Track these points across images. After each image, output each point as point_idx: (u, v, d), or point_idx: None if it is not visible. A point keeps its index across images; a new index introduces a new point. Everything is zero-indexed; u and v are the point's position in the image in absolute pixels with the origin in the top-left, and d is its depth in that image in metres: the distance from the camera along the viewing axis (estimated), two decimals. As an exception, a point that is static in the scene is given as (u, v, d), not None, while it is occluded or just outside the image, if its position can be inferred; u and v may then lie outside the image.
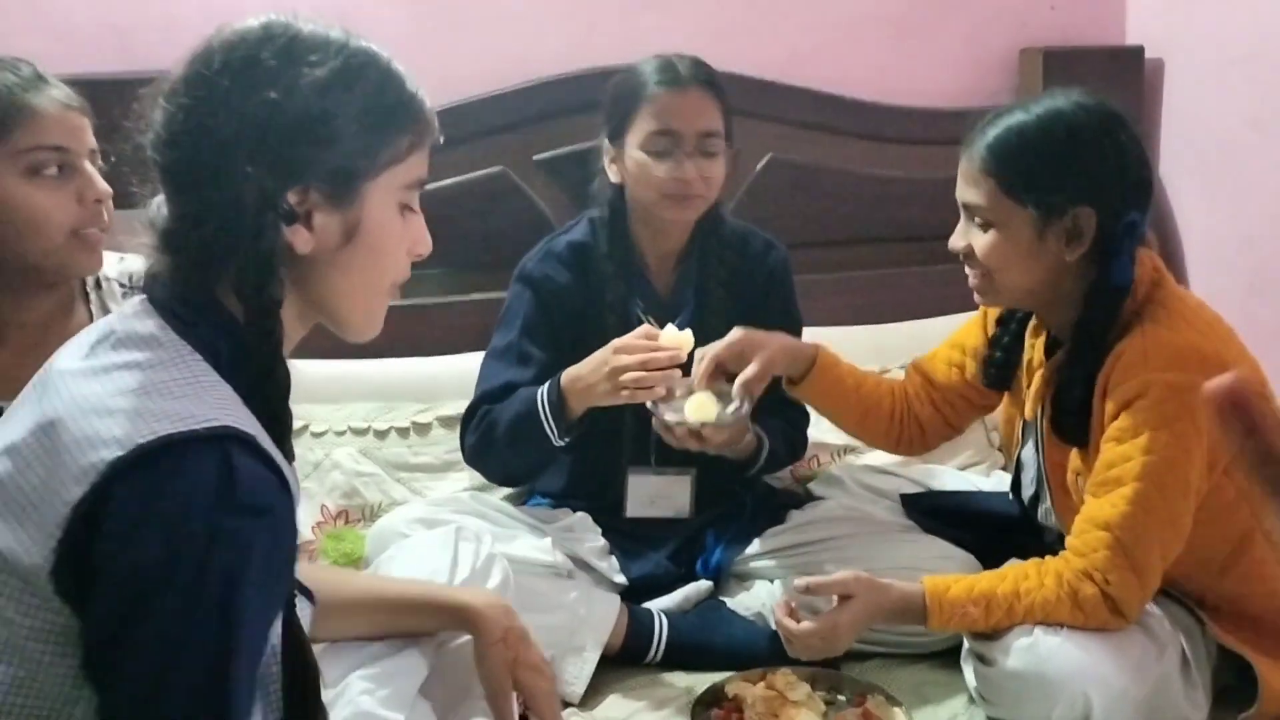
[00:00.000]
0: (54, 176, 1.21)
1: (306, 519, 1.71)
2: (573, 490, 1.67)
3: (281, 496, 0.78)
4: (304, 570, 1.04)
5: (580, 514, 1.62)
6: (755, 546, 1.62)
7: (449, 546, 1.28)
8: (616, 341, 1.48)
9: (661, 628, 1.50)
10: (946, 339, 1.60)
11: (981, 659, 1.29)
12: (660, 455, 1.58)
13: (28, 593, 0.75)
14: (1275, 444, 0.46)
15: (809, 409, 1.66)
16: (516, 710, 1.13)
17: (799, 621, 1.31)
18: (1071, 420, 1.29)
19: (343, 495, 1.77)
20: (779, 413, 1.63)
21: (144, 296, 0.85)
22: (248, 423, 0.79)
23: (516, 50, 2.11)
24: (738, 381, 1.45)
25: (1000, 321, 1.47)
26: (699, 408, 1.45)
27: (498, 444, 1.55)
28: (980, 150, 1.28)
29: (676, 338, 1.49)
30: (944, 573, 1.40)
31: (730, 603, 1.57)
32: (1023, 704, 1.24)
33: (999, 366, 1.46)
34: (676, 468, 1.61)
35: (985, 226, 1.30)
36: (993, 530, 1.56)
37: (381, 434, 1.84)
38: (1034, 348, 1.41)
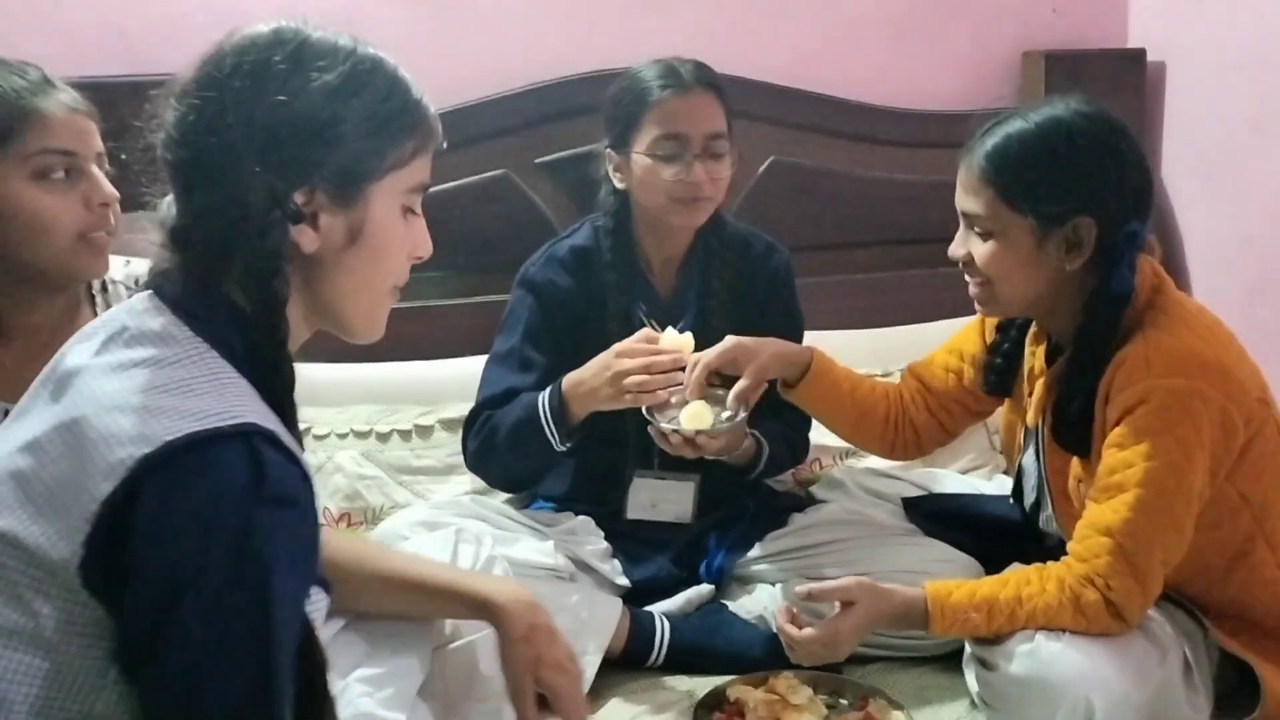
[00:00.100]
0: (61, 180, 1.21)
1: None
2: (575, 493, 1.67)
3: (305, 487, 0.80)
4: (334, 538, 1.06)
5: (582, 517, 1.62)
6: (757, 550, 1.62)
7: (449, 548, 1.28)
8: (618, 346, 1.48)
9: (663, 631, 1.50)
10: (944, 344, 1.59)
11: (983, 664, 1.29)
12: (663, 460, 1.59)
13: (54, 585, 0.76)
14: None
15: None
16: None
17: (801, 627, 1.31)
18: (1073, 430, 1.29)
19: (345, 498, 1.77)
20: (779, 416, 1.63)
21: (151, 293, 0.87)
22: (268, 418, 0.81)
23: (518, 53, 2.11)
24: (731, 394, 1.45)
25: (1000, 328, 1.47)
26: (694, 416, 1.46)
27: (500, 449, 1.56)
28: (979, 159, 1.28)
29: (677, 341, 1.49)
30: (946, 576, 1.41)
31: (732, 606, 1.57)
32: (1025, 709, 1.24)
33: (999, 374, 1.46)
34: (679, 473, 1.62)
35: (985, 236, 1.29)
36: (995, 534, 1.56)
37: (383, 437, 1.84)
38: (1034, 355, 1.40)
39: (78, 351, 0.85)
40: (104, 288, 1.35)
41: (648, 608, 1.54)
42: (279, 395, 0.85)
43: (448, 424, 1.83)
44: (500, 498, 1.69)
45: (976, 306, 1.38)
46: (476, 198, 2.03)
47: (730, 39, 2.16)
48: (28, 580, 0.76)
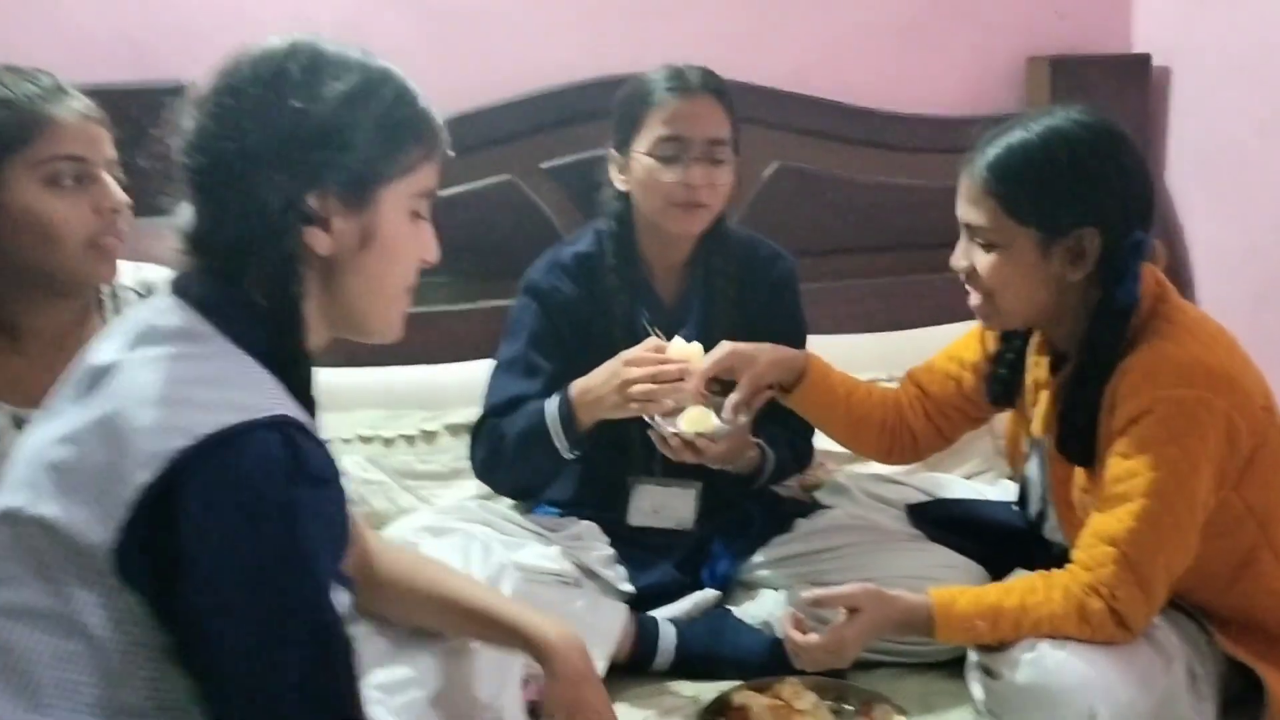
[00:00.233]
0: (71, 186, 1.22)
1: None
2: (580, 499, 1.67)
3: (337, 470, 0.86)
4: (394, 553, 1.10)
5: (587, 522, 1.62)
6: (762, 555, 1.62)
7: (460, 555, 1.28)
8: (625, 354, 1.48)
9: (668, 636, 1.50)
10: (943, 350, 1.59)
11: (988, 672, 1.29)
12: (665, 466, 1.59)
13: (89, 571, 0.79)
14: None
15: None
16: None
17: (806, 633, 1.31)
18: (1078, 440, 1.29)
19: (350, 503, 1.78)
20: (782, 422, 1.63)
21: (174, 295, 0.90)
22: (296, 410, 0.85)
23: (524, 59, 2.12)
24: (727, 403, 1.46)
25: (1003, 338, 1.46)
26: (694, 420, 1.46)
27: (507, 457, 1.56)
28: (981, 170, 1.28)
29: (685, 350, 1.49)
30: (951, 582, 1.41)
31: (737, 611, 1.57)
32: (1029, 717, 1.24)
33: (1003, 383, 1.45)
34: (682, 479, 1.62)
35: (988, 247, 1.29)
36: (1000, 540, 1.56)
37: (389, 442, 1.85)
38: (1038, 365, 1.40)
39: (104, 350, 0.89)
40: (114, 293, 1.36)
41: (652, 613, 1.54)
42: (299, 391, 0.89)
43: (453, 429, 1.84)
44: (505, 503, 1.69)
45: (979, 320, 1.38)
46: (481, 203, 2.04)
47: (735, 44, 2.16)
48: (63, 565, 0.79)
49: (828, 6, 2.25)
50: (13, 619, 0.80)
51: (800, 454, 1.73)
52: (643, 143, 1.58)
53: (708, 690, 1.41)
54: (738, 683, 1.38)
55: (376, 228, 0.92)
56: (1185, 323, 1.28)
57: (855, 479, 1.77)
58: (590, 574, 1.56)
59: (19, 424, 1.27)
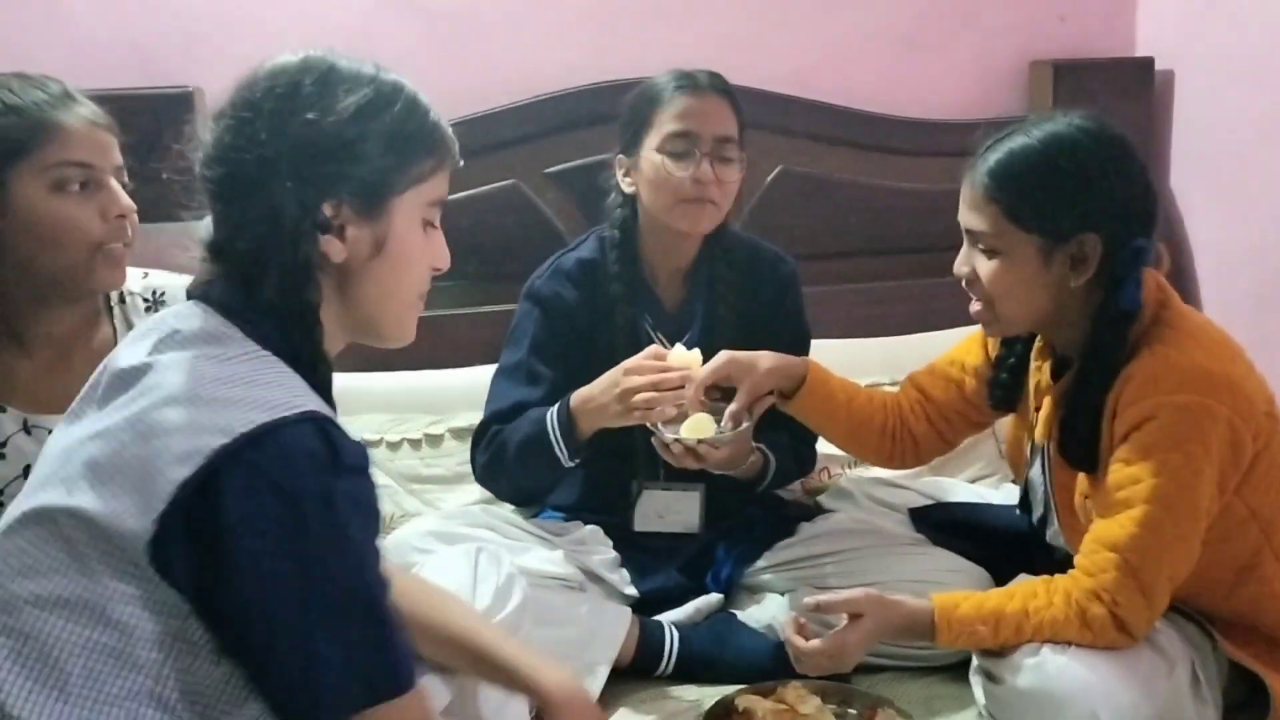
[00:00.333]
0: (78, 192, 1.22)
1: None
2: (584, 504, 1.68)
3: (369, 460, 0.89)
4: (419, 589, 1.12)
5: (591, 527, 1.63)
6: (765, 559, 1.62)
7: (470, 564, 1.29)
8: (626, 363, 1.49)
9: (672, 640, 1.50)
10: (945, 354, 1.59)
11: (990, 676, 1.29)
12: (670, 471, 1.59)
13: (125, 562, 0.81)
14: None
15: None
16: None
17: (808, 638, 1.31)
18: (1080, 446, 1.29)
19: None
20: (785, 428, 1.63)
21: (196, 300, 0.94)
22: (323, 407, 0.88)
23: (528, 64, 2.13)
24: (726, 413, 1.46)
25: (1005, 343, 1.46)
26: (695, 427, 1.46)
27: (509, 464, 1.57)
28: (982, 176, 1.28)
29: (685, 358, 1.49)
30: (954, 586, 1.41)
31: (741, 615, 1.57)
32: (1031, 722, 1.24)
33: (1005, 388, 1.45)
34: (685, 483, 1.62)
35: (990, 253, 1.29)
36: (1003, 544, 1.56)
37: (394, 446, 1.85)
38: (1040, 370, 1.40)
39: (130, 353, 0.92)
40: (121, 299, 1.36)
41: (656, 617, 1.55)
42: (320, 392, 0.92)
43: (457, 433, 1.84)
44: (509, 507, 1.70)
45: (981, 327, 1.38)
46: (486, 207, 2.04)
47: (738, 48, 2.17)
48: (98, 557, 0.82)
49: (830, 10, 2.26)
50: (43, 609, 0.82)
51: (803, 459, 1.73)
52: (652, 140, 1.59)
53: (711, 694, 1.41)
54: (741, 686, 1.38)
55: (389, 236, 0.95)
56: (1188, 328, 1.27)
57: (858, 483, 1.77)
58: (595, 578, 1.57)
59: (28, 429, 1.28)
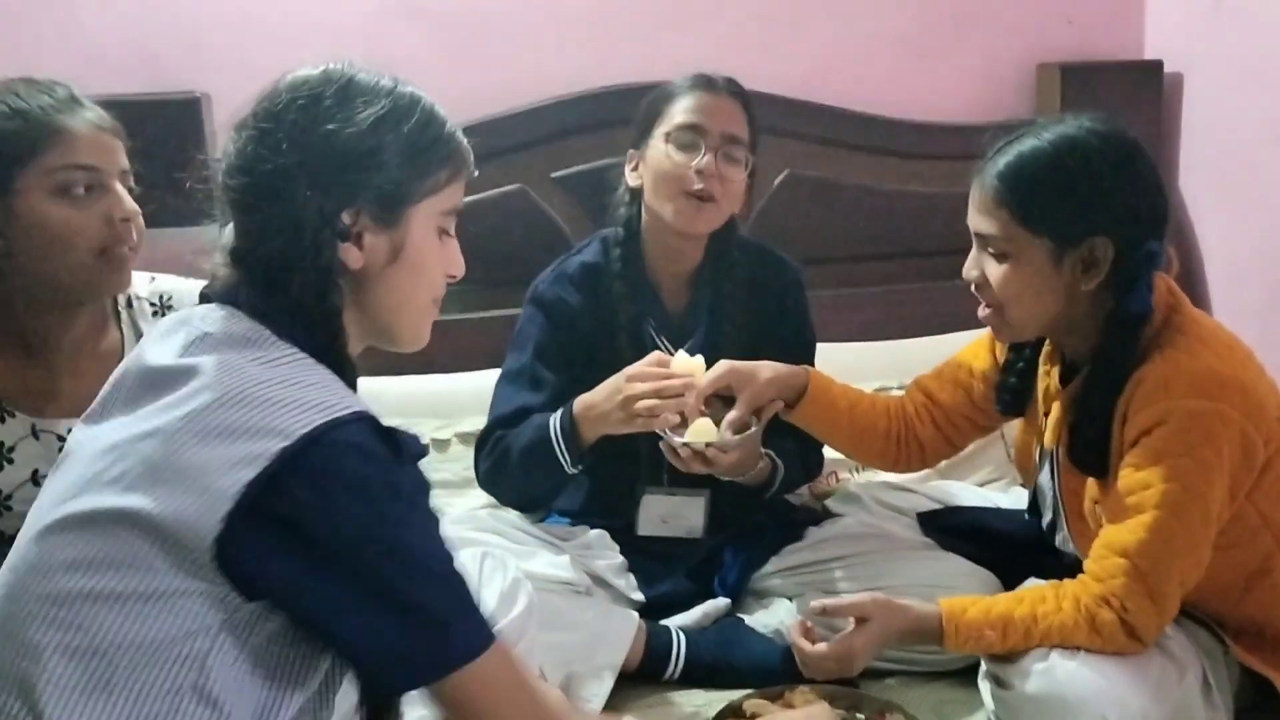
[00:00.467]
0: (82, 196, 1.23)
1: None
2: (590, 509, 1.67)
3: (424, 449, 0.93)
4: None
5: (598, 531, 1.62)
6: (773, 564, 1.62)
7: (476, 569, 1.28)
8: (629, 370, 1.48)
9: (680, 645, 1.50)
10: (952, 358, 1.58)
11: (998, 682, 1.29)
12: (674, 476, 1.59)
13: (185, 560, 0.84)
14: None
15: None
16: None
17: (815, 642, 1.31)
18: (1090, 452, 1.28)
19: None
20: (791, 433, 1.62)
21: (221, 304, 0.96)
22: (368, 407, 0.91)
23: (535, 69, 2.13)
24: (724, 423, 1.46)
25: (1013, 347, 1.45)
26: (700, 432, 1.46)
27: (512, 470, 1.56)
28: (992, 179, 1.27)
29: (688, 364, 1.49)
30: (963, 590, 1.40)
31: (748, 620, 1.57)
32: (1040, 727, 1.23)
33: (1014, 393, 1.44)
34: (690, 488, 1.62)
35: (1000, 257, 1.28)
36: (1011, 548, 1.55)
37: (401, 450, 1.85)
38: (1049, 375, 1.39)
39: (158, 352, 0.94)
40: (129, 303, 1.37)
41: (664, 622, 1.54)
42: None
43: (464, 437, 1.84)
44: (516, 512, 1.70)
45: (990, 331, 1.37)
46: (493, 211, 2.05)
47: (746, 53, 2.17)
48: (156, 553, 0.84)
49: (838, 15, 2.26)
50: (95, 603, 0.84)
51: (810, 463, 1.72)
52: (661, 129, 1.59)
53: (718, 699, 1.40)
54: (749, 691, 1.37)
55: (406, 244, 0.98)
56: (1199, 333, 1.26)
57: (866, 487, 1.77)
58: (601, 583, 1.57)
59: (36, 433, 1.28)
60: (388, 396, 1.89)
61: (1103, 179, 1.25)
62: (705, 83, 1.61)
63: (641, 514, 1.63)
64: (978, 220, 1.30)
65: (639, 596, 1.58)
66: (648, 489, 1.63)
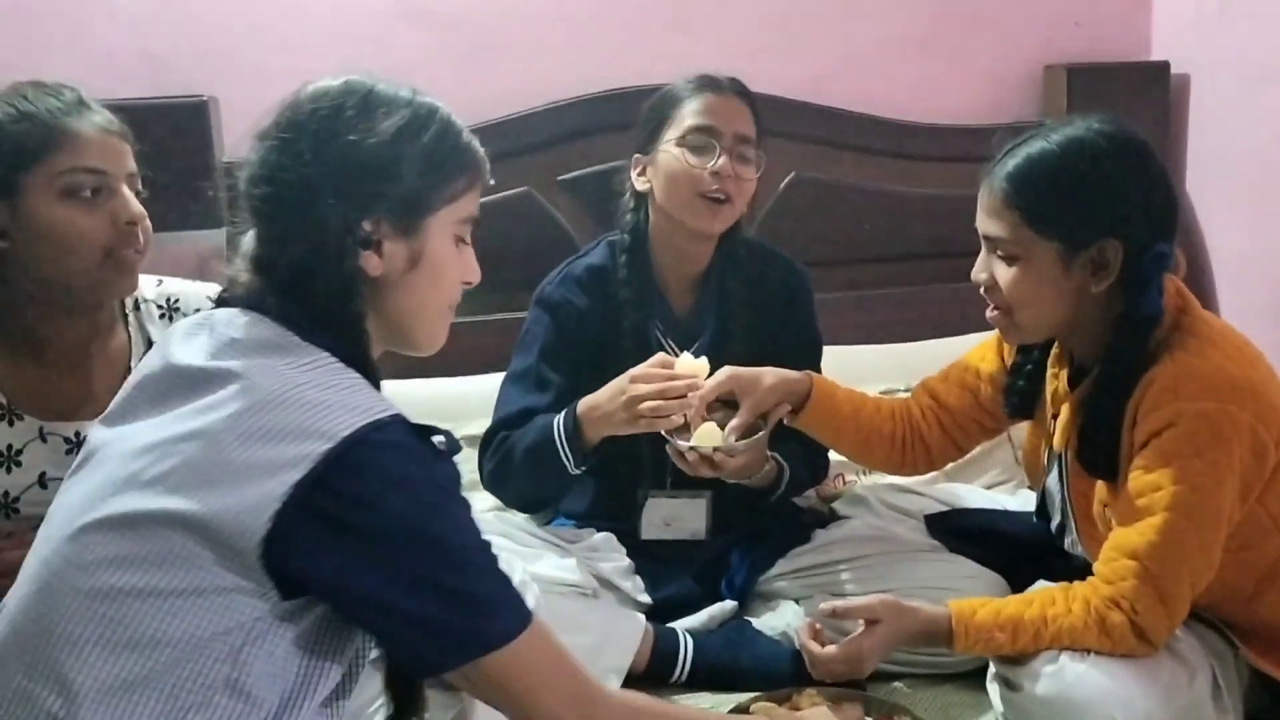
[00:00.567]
0: (89, 198, 1.23)
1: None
2: (595, 511, 1.67)
3: (458, 445, 0.97)
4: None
5: (604, 534, 1.62)
6: (780, 566, 1.62)
7: None
8: (633, 371, 1.48)
9: (687, 648, 1.50)
10: (958, 360, 1.58)
11: (1008, 684, 1.28)
12: (676, 478, 1.59)
13: (230, 556, 0.86)
14: None
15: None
16: None
17: (824, 644, 1.31)
18: (1099, 454, 1.28)
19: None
20: (796, 435, 1.61)
21: (244, 309, 0.98)
22: (398, 408, 0.94)
23: (541, 72, 2.13)
24: (727, 430, 1.46)
25: (1021, 349, 1.45)
26: (704, 436, 1.46)
27: (515, 470, 1.57)
28: (1001, 182, 1.27)
29: (692, 365, 1.49)
30: (971, 592, 1.40)
31: (755, 623, 1.57)
32: (1050, 729, 1.22)
33: (1022, 395, 1.44)
34: (692, 490, 1.62)
35: (1009, 260, 1.28)
36: (1019, 550, 1.54)
37: (407, 453, 1.85)
38: (1057, 378, 1.39)
39: (185, 352, 0.96)
40: (136, 306, 1.37)
41: (670, 624, 1.54)
42: None
43: (469, 441, 1.82)
44: (523, 515, 1.70)
45: (998, 333, 1.37)
46: (499, 215, 2.04)
47: (752, 56, 2.16)
48: (204, 552, 0.86)
49: (844, 17, 2.26)
50: (138, 598, 0.86)
51: (816, 466, 1.72)
52: (672, 134, 1.59)
53: (725, 702, 1.40)
54: (756, 694, 1.37)
55: (424, 252, 1.00)
56: (1208, 334, 1.26)
57: (874, 490, 1.77)
58: (608, 585, 1.56)
59: (43, 436, 1.29)
60: (392, 400, 1.89)
61: (1112, 181, 1.24)
62: (711, 84, 1.61)
63: (644, 517, 1.63)
64: (987, 223, 1.30)
65: (646, 599, 1.58)
66: (650, 492, 1.63)
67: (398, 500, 0.88)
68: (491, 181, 1.06)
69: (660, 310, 1.67)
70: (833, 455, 1.73)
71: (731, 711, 1.35)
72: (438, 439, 0.94)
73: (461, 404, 1.90)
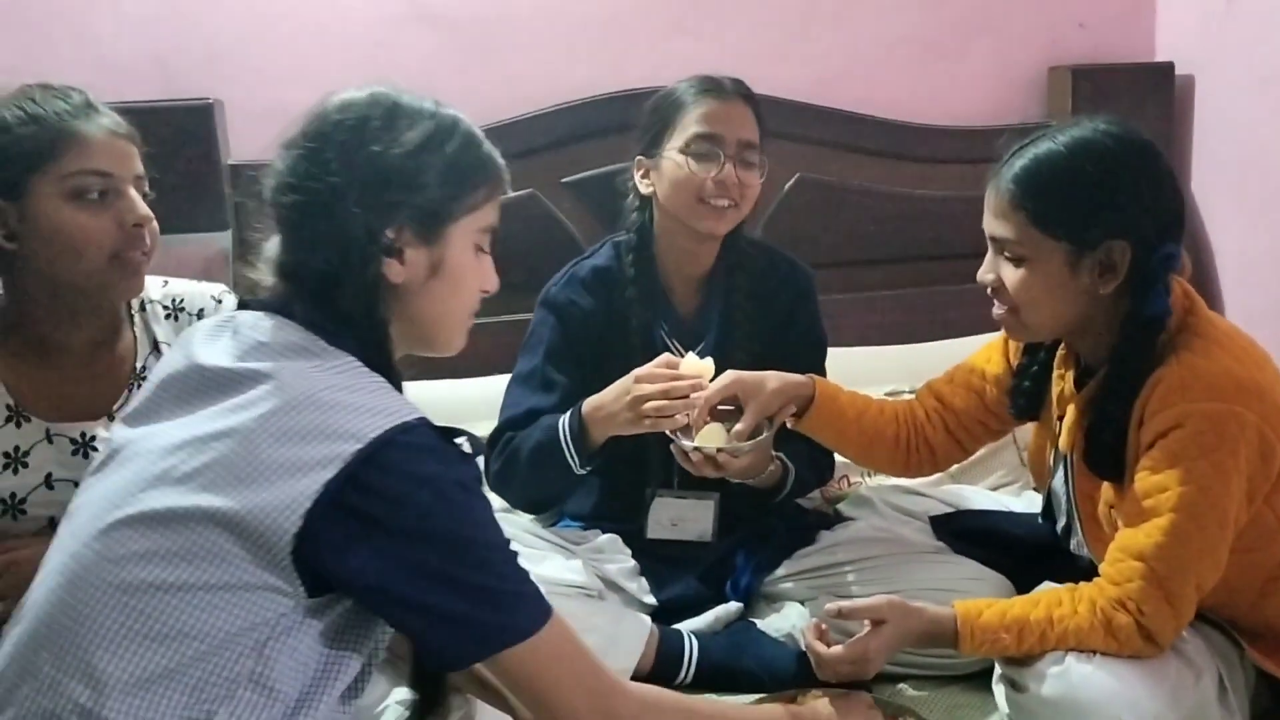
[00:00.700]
0: (96, 200, 1.24)
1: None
2: (601, 512, 1.68)
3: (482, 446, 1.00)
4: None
5: (609, 535, 1.62)
6: (785, 568, 1.62)
7: None
8: (638, 371, 1.49)
9: (692, 649, 1.50)
10: (963, 362, 1.58)
11: (1013, 685, 1.28)
12: (684, 479, 1.59)
13: (261, 552, 0.88)
14: None
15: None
16: None
17: (829, 644, 1.31)
18: (1106, 455, 1.27)
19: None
20: (802, 436, 1.62)
21: (270, 313, 1.00)
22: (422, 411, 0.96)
23: (545, 74, 2.14)
24: (731, 434, 1.46)
25: (1027, 351, 1.45)
26: (709, 437, 1.46)
27: (521, 471, 1.57)
28: (1008, 183, 1.26)
29: (697, 366, 1.49)
30: (976, 594, 1.39)
31: (760, 624, 1.56)
32: (1056, 731, 1.22)
33: (1028, 396, 1.44)
34: (699, 491, 1.62)
35: (1016, 261, 1.28)
36: (1024, 552, 1.54)
37: (412, 454, 1.85)
38: (1063, 379, 1.39)
39: (210, 354, 0.98)
40: (141, 307, 1.38)
41: (676, 626, 1.54)
42: None
43: (476, 442, 1.84)
44: (528, 516, 1.70)
45: (1004, 331, 1.37)
46: (503, 216, 2.02)
47: (757, 58, 2.17)
48: (236, 548, 0.88)
49: (849, 19, 2.26)
50: (167, 592, 0.87)
51: (821, 467, 1.72)
52: (676, 141, 1.59)
53: (730, 703, 1.39)
54: (761, 695, 1.37)
55: (444, 260, 1.03)
56: (1215, 335, 1.25)
57: (878, 491, 1.77)
58: (613, 587, 1.56)
59: (50, 437, 1.29)
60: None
61: (1120, 182, 1.24)
62: (714, 88, 1.61)
63: (651, 516, 1.63)
64: (993, 224, 1.30)
65: (651, 600, 1.58)
66: (658, 491, 1.63)
67: (424, 499, 0.90)
68: (511, 193, 1.09)
69: (665, 311, 1.68)
70: (837, 457, 1.73)
71: (737, 712, 1.35)
72: (461, 440, 0.96)
73: (467, 405, 1.90)
